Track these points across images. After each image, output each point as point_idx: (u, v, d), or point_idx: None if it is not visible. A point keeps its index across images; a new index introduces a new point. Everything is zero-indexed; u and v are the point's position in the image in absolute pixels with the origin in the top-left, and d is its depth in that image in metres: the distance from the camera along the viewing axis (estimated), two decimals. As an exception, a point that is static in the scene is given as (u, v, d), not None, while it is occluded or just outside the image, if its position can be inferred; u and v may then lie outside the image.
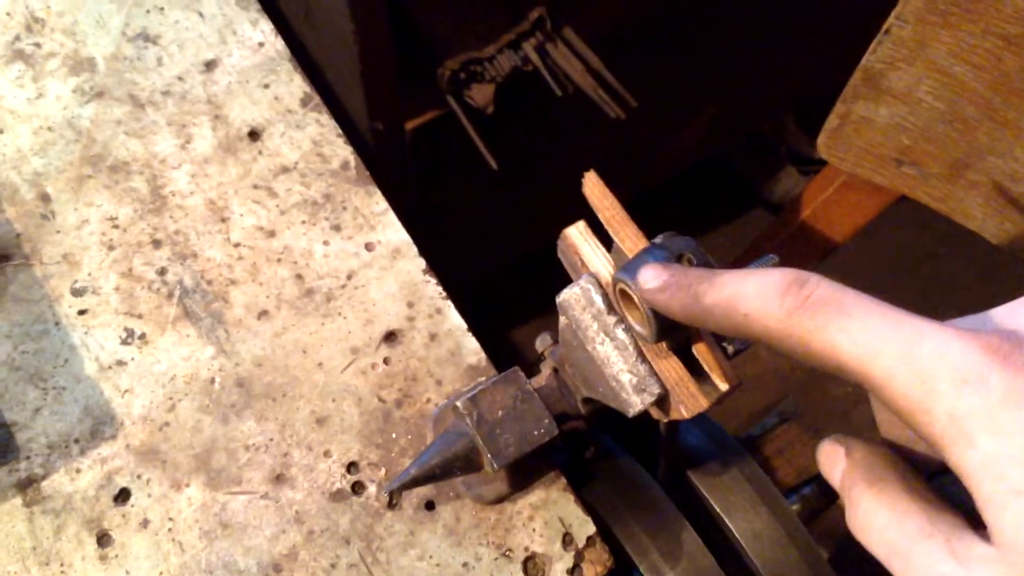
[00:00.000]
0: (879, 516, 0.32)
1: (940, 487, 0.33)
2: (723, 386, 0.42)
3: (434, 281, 0.63)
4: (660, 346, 0.43)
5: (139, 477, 0.55)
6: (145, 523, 0.54)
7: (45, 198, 0.63)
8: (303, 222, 0.64)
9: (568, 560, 0.55)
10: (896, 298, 0.32)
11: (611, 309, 0.44)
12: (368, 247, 0.64)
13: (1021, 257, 0.68)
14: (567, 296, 0.45)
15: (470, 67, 0.85)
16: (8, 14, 0.70)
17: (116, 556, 0.53)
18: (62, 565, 0.53)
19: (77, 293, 0.60)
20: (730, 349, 0.43)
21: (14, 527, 0.53)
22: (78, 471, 0.55)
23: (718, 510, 0.55)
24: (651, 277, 0.38)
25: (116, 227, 0.63)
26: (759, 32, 1.20)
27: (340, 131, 0.68)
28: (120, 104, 0.67)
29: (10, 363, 0.58)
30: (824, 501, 0.74)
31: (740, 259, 1.28)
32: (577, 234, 0.46)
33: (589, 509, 0.57)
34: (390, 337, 0.61)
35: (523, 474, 0.56)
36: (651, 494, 0.56)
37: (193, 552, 0.54)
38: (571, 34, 0.88)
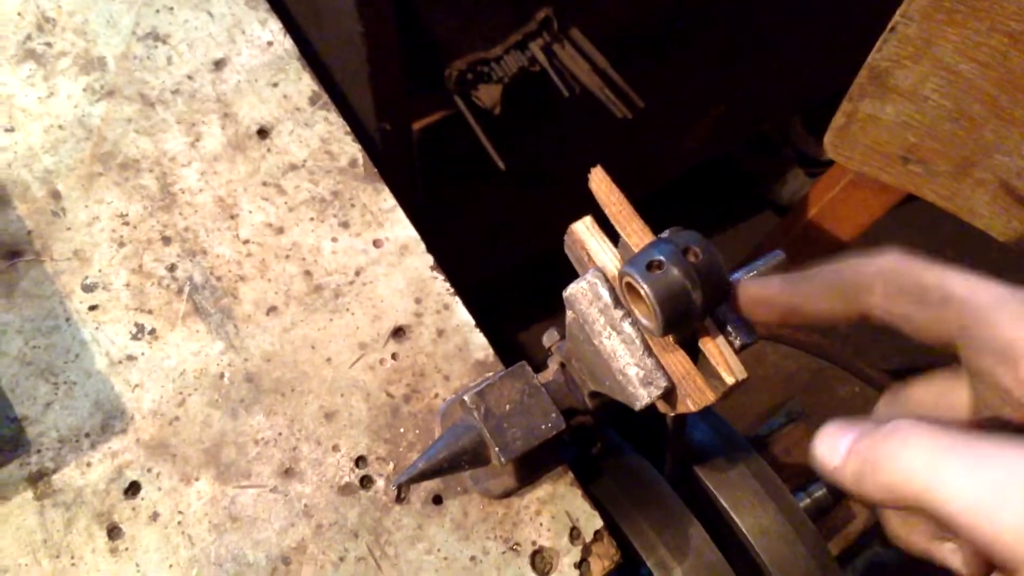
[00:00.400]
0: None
1: None
2: (729, 380, 0.42)
3: (442, 277, 0.63)
4: (667, 340, 0.43)
5: (149, 471, 0.56)
6: (155, 516, 0.55)
7: (56, 195, 0.64)
8: (311, 219, 0.65)
9: (575, 554, 0.56)
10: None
11: (618, 303, 0.44)
12: (376, 243, 0.64)
13: (1028, 255, 0.68)
14: (574, 290, 0.45)
15: (477, 68, 0.86)
16: (19, 14, 0.71)
17: (126, 549, 0.54)
18: (72, 558, 0.53)
19: (88, 289, 0.61)
20: (737, 343, 0.44)
21: (25, 520, 0.54)
22: (88, 465, 0.56)
23: (725, 506, 0.56)
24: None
25: (126, 224, 0.63)
26: (765, 33, 1.20)
27: (348, 128, 0.69)
28: (130, 102, 0.68)
29: (21, 358, 0.58)
30: (832, 499, 0.73)
31: (747, 260, 1.28)
32: (584, 229, 0.46)
33: (596, 504, 0.57)
34: (398, 333, 0.61)
35: (530, 468, 0.56)
36: (658, 489, 0.57)
37: (203, 545, 0.54)
38: (578, 34, 0.88)
